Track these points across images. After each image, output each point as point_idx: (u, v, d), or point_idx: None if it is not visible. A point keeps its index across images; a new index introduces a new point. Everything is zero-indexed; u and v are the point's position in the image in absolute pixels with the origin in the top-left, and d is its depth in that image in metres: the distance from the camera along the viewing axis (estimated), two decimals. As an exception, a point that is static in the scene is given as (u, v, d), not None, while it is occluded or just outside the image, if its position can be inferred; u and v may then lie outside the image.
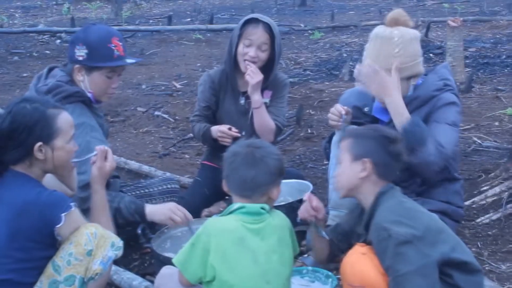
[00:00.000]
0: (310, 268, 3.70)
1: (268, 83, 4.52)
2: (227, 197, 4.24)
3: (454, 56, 7.87)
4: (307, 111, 7.27)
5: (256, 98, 4.39)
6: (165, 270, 3.12)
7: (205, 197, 4.56)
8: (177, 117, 7.55)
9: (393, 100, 3.70)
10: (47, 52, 11.66)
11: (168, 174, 5.30)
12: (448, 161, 3.75)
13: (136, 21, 15.22)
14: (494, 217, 4.41)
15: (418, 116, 3.72)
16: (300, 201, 4.08)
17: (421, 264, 2.70)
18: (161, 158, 6.27)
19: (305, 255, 3.90)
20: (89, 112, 3.79)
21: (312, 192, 4.26)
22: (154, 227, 3.82)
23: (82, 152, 3.40)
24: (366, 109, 4.01)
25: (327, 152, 4.19)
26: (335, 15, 14.37)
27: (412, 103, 3.79)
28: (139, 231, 3.66)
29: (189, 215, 3.67)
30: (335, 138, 4.04)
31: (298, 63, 10.20)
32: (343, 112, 3.89)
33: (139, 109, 7.95)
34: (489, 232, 4.26)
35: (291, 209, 4.06)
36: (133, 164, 5.79)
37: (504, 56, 9.69)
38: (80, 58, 3.77)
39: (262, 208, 2.97)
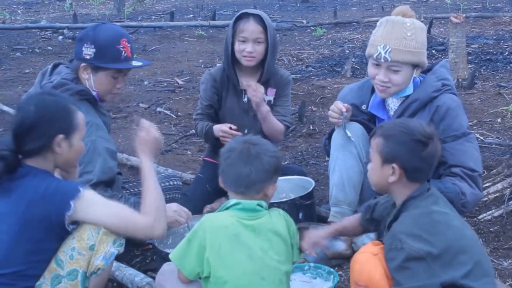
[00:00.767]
0: (312, 264, 3.71)
1: (271, 79, 4.52)
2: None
3: (457, 52, 7.86)
4: (309, 107, 7.28)
5: (262, 109, 4.38)
6: (166, 266, 3.12)
7: (207, 194, 4.56)
8: (179, 114, 7.55)
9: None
10: (49, 48, 11.65)
11: (170, 170, 5.30)
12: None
13: (139, 17, 15.22)
14: (496, 214, 4.41)
15: None
16: (302, 198, 4.11)
17: (424, 283, 2.66)
18: (163, 154, 6.26)
19: (307, 252, 3.90)
20: (94, 110, 3.80)
21: (314, 189, 4.27)
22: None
23: (88, 151, 3.41)
24: (363, 107, 4.02)
25: (327, 148, 4.20)
26: (337, 12, 14.36)
27: (411, 106, 3.79)
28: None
29: (190, 214, 3.67)
30: (335, 137, 4.05)
31: (301, 60, 10.20)
32: (344, 110, 3.90)
33: (141, 105, 7.95)
34: (491, 229, 4.26)
35: (293, 206, 4.08)
36: (135, 161, 5.78)
37: (506, 53, 9.69)
38: (87, 57, 3.76)
39: (259, 205, 2.96)
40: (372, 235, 3.56)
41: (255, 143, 3.00)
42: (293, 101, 6.65)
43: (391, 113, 3.92)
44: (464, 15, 8.58)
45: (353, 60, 9.18)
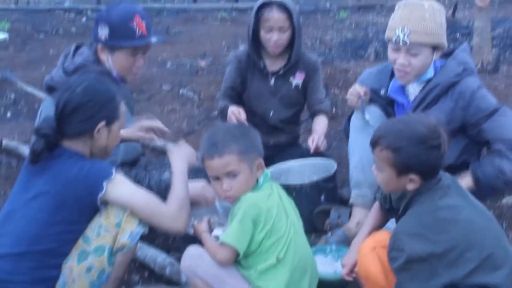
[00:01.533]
0: (334, 247, 3.71)
1: (299, 62, 4.54)
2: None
3: (482, 36, 7.77)
4: (332, 91, 7.25)
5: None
6: (193, 250, 3.11)
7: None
8: (202, 96, 7.55)
9: None
10: (73, 29, 11.69)
11: (193, 152, 5.30)
12: None
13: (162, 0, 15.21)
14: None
15: (441, 112, 3.67)
16: (325, 180, 4.11)
17: (425, 284, 2.63)
18: (186, 136, 6.28)
19: (329, 234, 3.90)
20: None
21: (336, 171, 4.27)
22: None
23: None
24: (382, 92, 4.00)
25: (347, 131, 4.19)
26: (361, -5, 14.26)
27: (433, 91, 3.78)
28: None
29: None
30: (353, 120, 4.04)
31: (324, 43, 10.15)
32: (361, 93, 3.90)
33: (164, 87, 7.95)
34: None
35: (315, 188, 4.09)
36: (158, 142, 5.81)
37: (532, 37, 9.57)
38: (103, 38, 3.76)
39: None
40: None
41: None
42: (316, 84, 6.63)
43: (411, 98, 3.89)
44: (489, -2, 8.47)
45: (376, 43, 9.12)
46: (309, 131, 5.77)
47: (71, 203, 2.90)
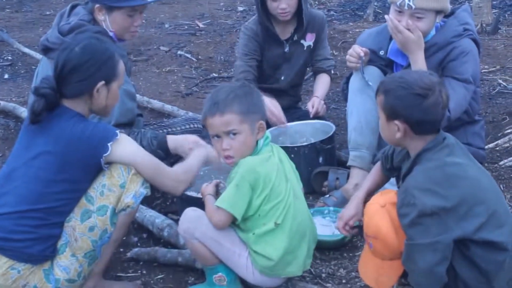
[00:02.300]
0: (331, 208, 3.72)
1: (308, 24, 4.52)
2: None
3: (481, -4, 7.73)
4: (331, 52, 7.20)
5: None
6: (191, 212, 3.11)
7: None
8: (200, 57, 7.51)
9: (416, 60, 3.70)
10: (70, -10, 11.59)
11: (191, 113, 5.29)
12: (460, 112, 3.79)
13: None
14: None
15: (432, 66, 3.71)
16: (323, 142, 4.10)
17: (436, 239, 2.62)
18: (184, 97, 6.26)
19: (327, 196, 3.91)
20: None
21: (334, 133, 4.26)
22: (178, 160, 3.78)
23: None
24: (381, 53, 3.99)
25: (345, 93, 4.18)
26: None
27: (430, 49, 3.77)
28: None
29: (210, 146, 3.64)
30: (352, 81, 4.02)
31: (322, 3, 10.08)
32: (362, 54, 3.88)
33: (162, 48, 7.91)
34: (512, 175, 4.23)
35: (313, 150, 4.08)
36: (156, 103, 5.80)
37: (532, -2, 9.50)
38: None
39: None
40: (393, 181, 3.56)
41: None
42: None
43: None
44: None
45: (375, 4, 9.06)
46: (307, 92, 5.79)
47: (74, 162, 2.90)
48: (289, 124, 4.38)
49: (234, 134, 2.93)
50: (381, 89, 2.88)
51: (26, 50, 7.77)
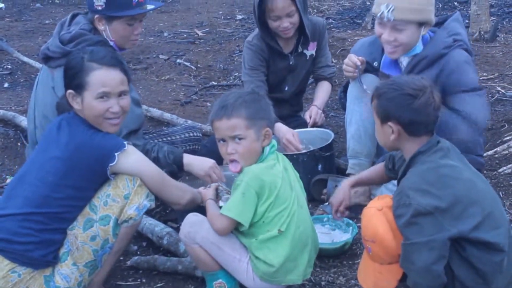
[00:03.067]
0: (331, 216, 3.71)
1: (311, 35, 4.51)
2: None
3: (479, 4, 7.74)
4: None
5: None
6: (194, 217, 3.10)
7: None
8: (199, 65, 7.53)
9: None
10: (70, -1, 11.63)
11: (190, 122, 5.30)
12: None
13: (158, -32, 15.10)
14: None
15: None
16: (322, 149, 4.11)
17: (431, 238, 2.64)
18: (183, 105, 6.27)
19: (326, 203, 3.91)
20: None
21: (333, 140, 4.26)
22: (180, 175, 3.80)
23: None
24: (375, 64, 3.97)
25: (343, 102, 4.19)
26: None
27: (421, 63, 3.72)
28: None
29: (223, 177, 3.65)
30: (350, 90, 4.03)
31: (321, 11, 10.12)
32: (358, 63, 3.86)
33: (161, 56, 7.93)
34: (511, 182, 4.23)
35: (312, 157, 4.08)
36: (155, 112, 5.81)
37: (530, 5, 9.54)
38: (99, 8, 3.69)
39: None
40: (390, 185, 3.56)
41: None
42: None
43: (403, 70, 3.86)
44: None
45: (372, 13, 9.08)
46: (306, 100, 5.80)
47: (80, 169, 2.92)
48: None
49: (240, 139, 2.94)
50: (375, 94, 2.93)
51: (26, 59, 7.79)
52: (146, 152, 3.55)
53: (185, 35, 8.97)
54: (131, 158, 2.99)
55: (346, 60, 3.94)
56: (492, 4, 9.20)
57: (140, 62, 7.76)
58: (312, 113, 4.47)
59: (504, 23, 8.59)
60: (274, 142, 3.05)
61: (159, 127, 5.37)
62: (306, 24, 4.38)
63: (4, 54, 8.20)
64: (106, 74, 3.02)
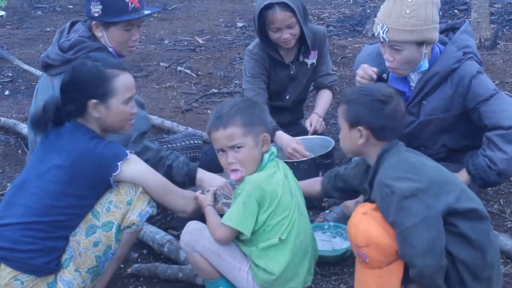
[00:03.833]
0: (331, 223, 3.72)
1: (311, 44, 4.52)
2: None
3: (480, 12, 7.75)
4: (330, 67, 7.23)
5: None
6: (194, 225, 3.11)
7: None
8: (199, 73, 7.54)
9: None
10: (70, 6, 11.65)
11: (190, 129, 5.30)
12: None
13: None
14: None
15: (440, 100, 3.63)
16: (322, 157, 4.11)
17: (424, 215, 2.69)
18: (184, 113, 6.27)
19: (327, 211, 3.91)
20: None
21: (334, 148, 4.26)
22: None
23: None
24: (384, 76, 3.90)
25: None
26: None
27: (432, 79, 3.65)
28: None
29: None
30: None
31: (322, 19, 10.14)
32: (375, 76, 3.79)
33: (161, 64, 7.94)
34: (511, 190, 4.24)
35: (313, 164, 4.09)
36: (156, 119, 5.81)
37: (530, 13, 9.55)
38: (96, 15, 3.70)
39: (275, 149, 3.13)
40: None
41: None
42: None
43: (413, 85, 3.79)
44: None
45: (374, 19, 9.07)
46: (307, 107, 5.81)
47: (82, 177, 2.93)
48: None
49: (238, 147, 2.95)
50: (344, 100, 3.03)
51: (26, 67, 7.81)
52: (160, 158, 3.56)
53: (185, 43, 8.99)
54: (133, 167, 3.01)
55: (360, 72, 3.83)
56: (493, 11, 9.20)
57: (141, 69, 7.78)
58: (313, 120, 4.48)
59: (505, 30, 8.60)
60: (273, 149, 3.06)
61: (160, 134, 5.37)
62: (307, 34, 4.39)
63: (4, 62, 8.22)
64: (127, 78, 3.11)
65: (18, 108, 6.49)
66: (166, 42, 9.06)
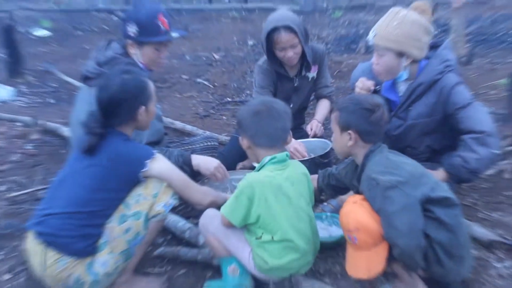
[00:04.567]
0: (328, 214, 3.73)
1: (312, 60, 4.52)
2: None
3: (457, 33, 7.74)
4: (328, 79, 7.23)
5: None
6: (209, 211, 3.17)
7: (240, 152, 4.56)
8: (216, 84, 7.56)
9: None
10: (106, 27, 11.67)
11: (208, 132, 5.32)
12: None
13: (181, 1, 15.15)
14: (489, 173, 4.37)
15: (425, 105, 3.63)
16: (321, 157, 4.12)
17: (405, 203, 2.72)
18: (202, 119, 6.29)
19: (325, 204, 3.92)
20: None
21: (331, 149, 4.27)
22: (197, 176, 3.81)
23: None
24: (378, 88, 3.92)
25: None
26: (353, -3, 14.18)
27: (418, 89, 3.65)
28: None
29: (228, 175, 3.69)
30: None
31: (321, 38, 10.13)
32: (372, 88, 3.80)
33: (183, 76, 7.96)
34: (484, 186, 4.23)
35: (313, 164, 4.08)
36: (178, 124, 5.83)
37: (500, 34, 9.54)
38: (132, 35, 3.72)
39: (287, 155, 3.05)
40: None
41: (272, 101, 3.12)
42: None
43: (401, 94, 3.82)
44: (464, 0, 8.41)
45: (366, 39, 9.09)
46: (307, 114, 5.82)
47: (117, 175, 2.95)
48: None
49: None
50: (336, 107, 3.09)
51: (68, 79, 7.84)
52: None
53: (204, 58, 9.00)
54: (159, 165, 3.03)
55: (360, 84, 3.85)
56: (468, 32, 9.18)
57: (166, 81, 7.79)
58: (313, 126, 4.50)
59: (478, 49, 8.58)
60: (278, 156, 3.02)
61: (182, 137, 5.39)
62: (307, 52, 4.40)
63: (50, 74, 8.25)
64: (151, 84, 3.16)
65: (61, 114, 6.52)
66: (187, 57, 9.08)
